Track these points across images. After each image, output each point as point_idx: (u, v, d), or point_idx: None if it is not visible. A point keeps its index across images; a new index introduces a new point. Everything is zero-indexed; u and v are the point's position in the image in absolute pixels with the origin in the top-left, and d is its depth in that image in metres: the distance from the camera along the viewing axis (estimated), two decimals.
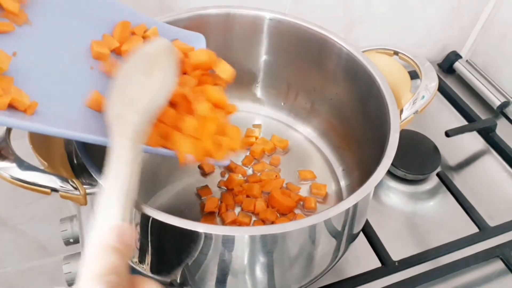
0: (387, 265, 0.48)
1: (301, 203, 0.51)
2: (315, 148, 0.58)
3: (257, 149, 0.55)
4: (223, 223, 0.48)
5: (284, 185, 0.53)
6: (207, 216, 0.49)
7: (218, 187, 0.52)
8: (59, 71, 0.35)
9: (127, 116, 0.31)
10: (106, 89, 0.34)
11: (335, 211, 0.35)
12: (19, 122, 0.30)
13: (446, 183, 0.57)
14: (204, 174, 0.53)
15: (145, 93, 0.32)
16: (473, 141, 0.66)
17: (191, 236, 0.34)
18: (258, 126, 0.59)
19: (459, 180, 0.60)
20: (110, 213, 0.26)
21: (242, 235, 0.34)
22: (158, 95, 0.33)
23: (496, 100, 0.71)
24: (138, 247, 0.38)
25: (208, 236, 0.33)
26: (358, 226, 0.44)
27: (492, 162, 0.64)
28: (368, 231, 0.50)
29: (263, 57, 0.56)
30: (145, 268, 0.39)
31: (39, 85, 0.33)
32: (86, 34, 0.38)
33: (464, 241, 0.51)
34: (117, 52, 0.40)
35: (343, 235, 0.41)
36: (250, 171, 0.54)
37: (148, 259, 0.39)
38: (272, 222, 0.48)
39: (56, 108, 0.33)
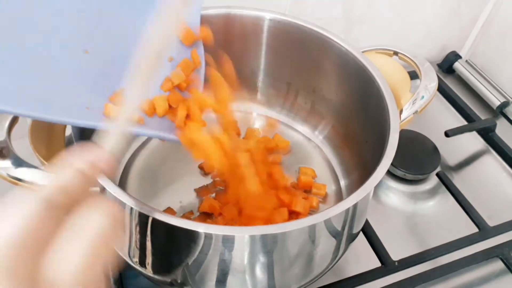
0: (387, 265, 0.48)
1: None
2: (315, 148, 0.58)
3: (259, 147, 0.55)
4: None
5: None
6: (203, 215, 0.49)
7: (215, 186, 0.52)
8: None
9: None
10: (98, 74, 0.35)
11: (335, 211, 0.35)
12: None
13: (446, 183, 0.57)
14: (205, 174, 0.53)
15: None
16: (472, 141, 0.66)
17: (191, 236, 0.34)
18: (256, 129, 0.59)
19: (458, 180, 0.60)
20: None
21: (242, 235, 0.34)
22: None
23: (495, 100, 0.71)
24: (138, 247, 0.38)
25: (208, 236, 0.33)
26: (358, 226, 0.45)
27: (492, 162, 0.64)
28: (368, 231, 0.50)
29: (263, 57, 0.56)
30: (145, 268, 0.40)
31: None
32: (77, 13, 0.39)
33: (464, 241, 0.51)
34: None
35: (343, 235, 0.41)
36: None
37: (148, 259, 0.39)
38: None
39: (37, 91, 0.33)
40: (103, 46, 0.40)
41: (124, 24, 0.41)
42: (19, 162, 0.36)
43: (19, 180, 0.35)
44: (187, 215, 0.49)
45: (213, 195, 0.51)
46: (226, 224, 0.48)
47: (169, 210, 0.49)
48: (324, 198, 0.52)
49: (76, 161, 0.24)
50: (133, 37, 0.37)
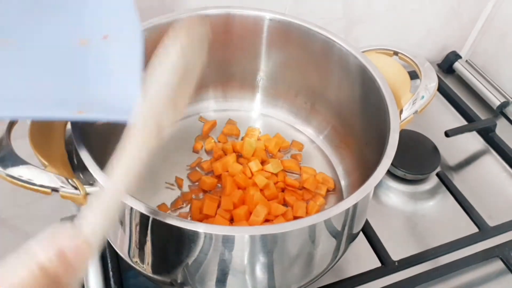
0: (387, 265, 0.48)
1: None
2: (315, 148, 0.58)
3: (260, 147, 0.55)
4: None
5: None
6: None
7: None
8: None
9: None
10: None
11: (335, 211, 0.35)
12: None
13: (446, 183, 0.57)
14: (205, 174, 0.53)
15: None
16: (472, 141, 0.66)
17: (191, 236, 0.34)
18: (256, 129, 0.59)
19: (458, 180, 0.60)
20: (83, 221, 0.21)
21: (242, 235, 0.34)
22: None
23: (495, 100, 0.71)
24: (138, 247, 0.38)
25: (208, 236, 0.33)
26: (358, 226, 0.45)
27: (492, 162, 0.64)
28: (368, 231, 0.50)
29: (263, 58, 0.56)
30: (145, 268, 0.40)
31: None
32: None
33: (464, 241, 0.51)
34: None
35: (343, 235, 0.41)
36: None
37: (148, 259, 0.39)
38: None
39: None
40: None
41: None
42: (20, 162, 0.36)
43: (21, 180, 0.35)
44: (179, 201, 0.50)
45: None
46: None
47: (162, 206, 0.49)
48: (325, 198, 0.52)
49: (40, 252, 0.19)
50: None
